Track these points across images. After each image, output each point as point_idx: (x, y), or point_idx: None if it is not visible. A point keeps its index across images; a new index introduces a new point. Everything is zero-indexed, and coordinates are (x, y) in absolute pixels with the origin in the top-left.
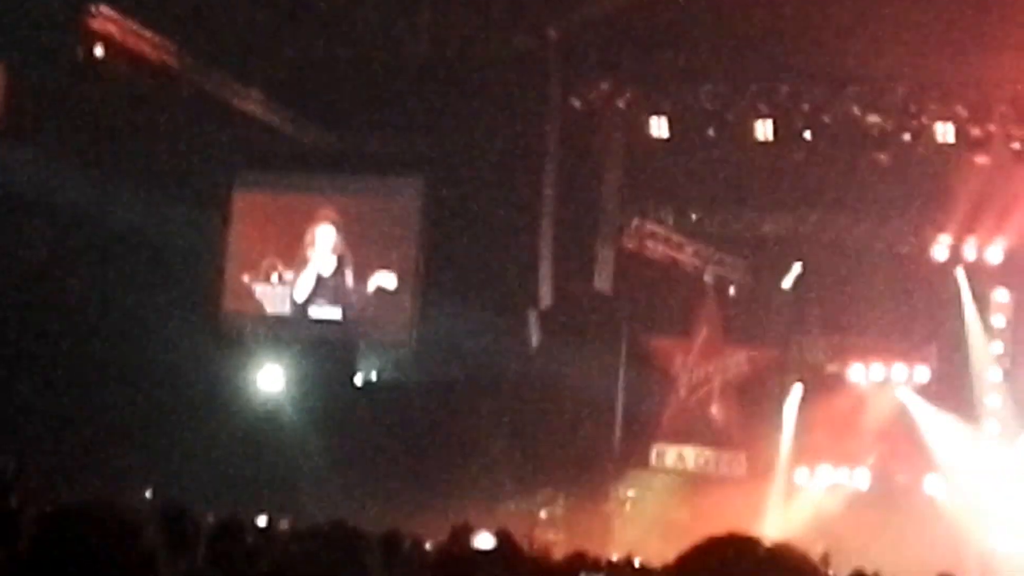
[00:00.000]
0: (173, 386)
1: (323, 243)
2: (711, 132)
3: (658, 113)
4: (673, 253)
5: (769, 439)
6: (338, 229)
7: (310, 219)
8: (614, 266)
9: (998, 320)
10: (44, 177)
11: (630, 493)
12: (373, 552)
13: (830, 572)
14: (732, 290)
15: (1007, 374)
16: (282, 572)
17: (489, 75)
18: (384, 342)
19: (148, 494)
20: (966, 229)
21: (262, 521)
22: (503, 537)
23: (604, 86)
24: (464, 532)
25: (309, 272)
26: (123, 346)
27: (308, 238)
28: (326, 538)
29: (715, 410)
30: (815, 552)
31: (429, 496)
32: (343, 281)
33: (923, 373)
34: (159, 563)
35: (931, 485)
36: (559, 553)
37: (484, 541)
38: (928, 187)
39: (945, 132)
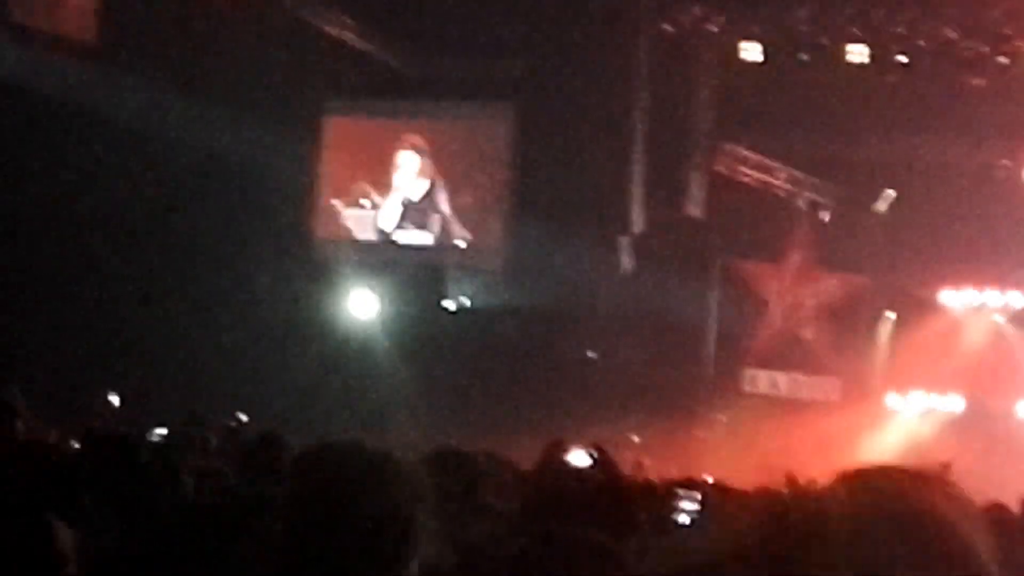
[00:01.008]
0: (264, 312)
1: (410, 168)
2: (804, 56)
3: (750, 37)
4: (765, 178)
5: (862, 364)
6: (427, 155)
7: (398, 144)
8: (706, 191)
9: None
10: (138, 102)
11: (723, 418)
12: (475, 473)
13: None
14: (825, 215)
15: None
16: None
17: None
18: (475, 267)
19: (244, 418)
20: None
21: None
22: (599, 454)
23: (696, 10)
24: (557, 448)
25: (395, 197)
26: (215, 272)
27: (395, 163)
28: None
29: (808, 335)
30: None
31: (521, 422)
32: (433, 206)
33: (1018, 298)
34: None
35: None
36: (652, 476)
37: (579, 459)
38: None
39: None
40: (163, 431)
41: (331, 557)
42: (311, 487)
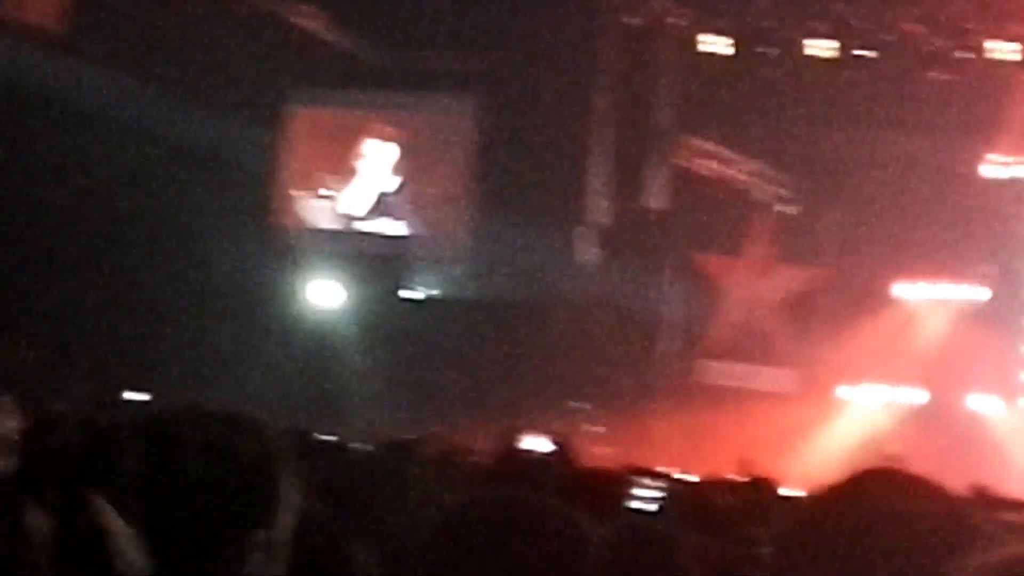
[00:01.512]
0: (224, 300)
1: (377, 158)
2: (766, 49)
3: (713, 30)
4: (726, 170)
5: (818, 356)
6: (394, 144)
7: (364, 134)
8: (666, 183)
9: None
10: (103, 92)
11: (677, 410)
12: (426, 464)
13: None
14: (784, 208)
15: None
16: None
17: None
18: (439, 258)
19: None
20: (1021, 148)
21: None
22: (560, 442)
23: (660, 3)
24: (511, 434)
25: (360, 187)
26: (175, 260)
27: (361, 152)
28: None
29: (764, 327)
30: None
31: (480, 412)
32: (400, 196)
33: (976, 292)
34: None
35: (979, 403)
36: (612, 465)
37: (540, 447)
38: (984, 106)
39: (1002, 50)
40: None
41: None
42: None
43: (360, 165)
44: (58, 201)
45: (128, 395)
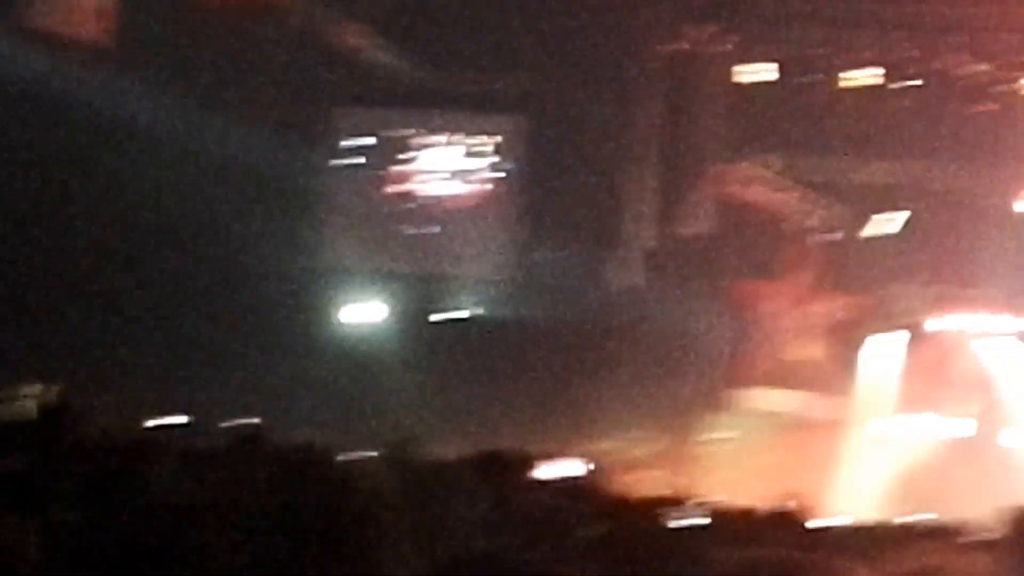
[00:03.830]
0: (259, 315)
1: (419, 179)
2: (817, 77)
3: (764, 57)
4: (773, 197)
5: (865, 386)
6: (437, 166)
7: (404, 154)
8: (713, 209)
9: None
10: (150, 107)
11: (723, 436)
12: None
13: None
14: (831, 236)
15: None
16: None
17: (593, 16)
18: (481, 277)
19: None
20: None
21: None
22: (593, 466)
23: (707, 30)
24: (543, 458)
25: (398, 207)
26: (216, 275)
27: (399, 175)
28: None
29: (811, 355)
30: None
31: (517, 436)
32: (443, 218)
33: (1019, 322)
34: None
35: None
36: (650, 492)
37: (574, 470)
38: None
39: None
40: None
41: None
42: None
43: (401, 187)
44: (92, 215)
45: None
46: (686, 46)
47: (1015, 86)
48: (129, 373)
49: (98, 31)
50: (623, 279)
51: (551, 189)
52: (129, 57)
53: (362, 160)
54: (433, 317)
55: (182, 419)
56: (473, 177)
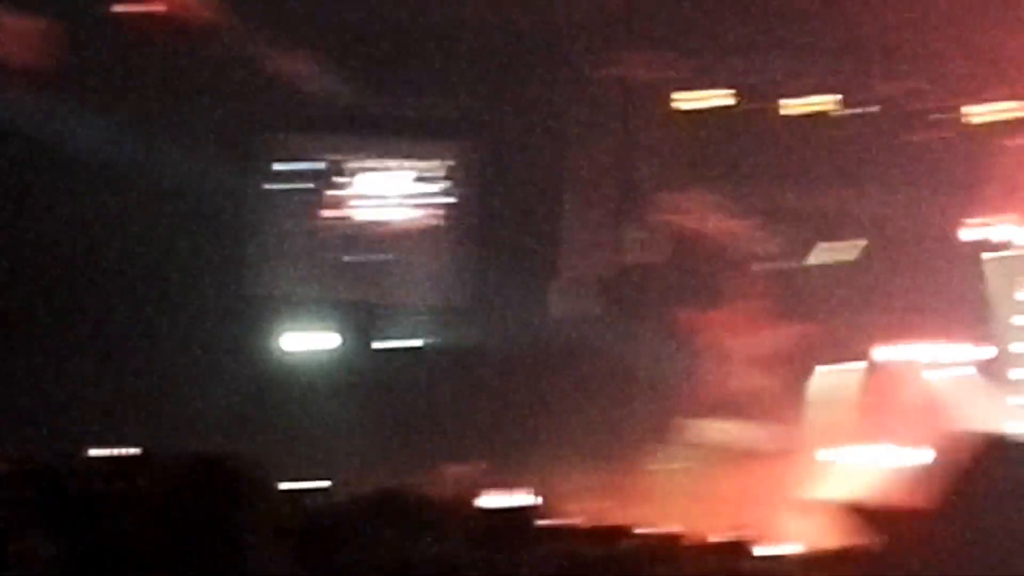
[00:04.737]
0: (197, 344)
1: (360, 208)
2: (762, 104)
3: (711, 85)
4: (717, 225)
5: (811, 416)
6: (378, 193)
7: (343, 183)
8: (660, 238)
9: None
10: (78, 133)
11: (668, 467)
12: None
13: None
14: (776, 265)
15: None
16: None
17: (535, 41)
18: (423, 309)
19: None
20: (1010, 211)
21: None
22: (538, 497)
23: (655, 56)
24: (490, 488)
25: (342, 235)
26: (150, 304)
27: (341, 201)
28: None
29: (756, 385)
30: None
31: (474, 463)
32: (385, 247)
33: (965, 352)
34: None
35: None
36: (599, 522)
37: (521, 500)
38: (988, 167)
39: (1001, 111)
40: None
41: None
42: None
43: (343, 214)
44: (21, 242)
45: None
46: (633, 73)
47: (965, 114)
48: (61, 403)
49: (31, 57)
50: (569, 308)
51: (496, 217)
52: (63, 83)
53: (305, 187)
54: (377, 346)
55: (119, 451)
56: (418, 205)
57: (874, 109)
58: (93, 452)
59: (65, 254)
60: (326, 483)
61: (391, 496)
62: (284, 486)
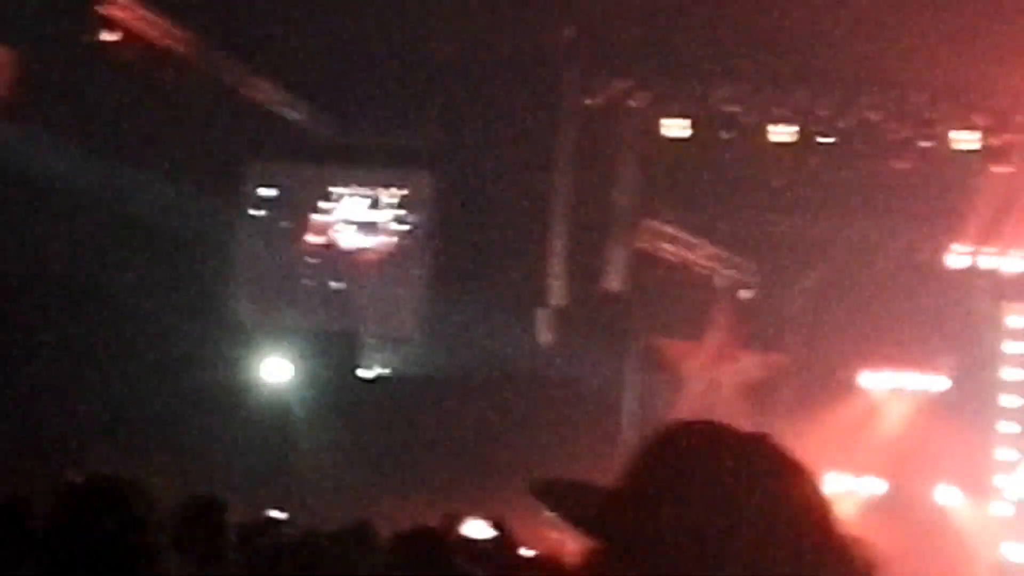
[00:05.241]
0: (177, 376)
1: (335, 236)
2: (727, 134)
3: (674, 114)
4: (686, 255)
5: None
6: (352, 222)
7: (318, 210)
8: (626, 266)
9: (1016, 329)
10: (52, 163)
11: None
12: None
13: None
14: (745, 293)
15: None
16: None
17: (503, 71)
18: (392, 336)
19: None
20: (984, 238)
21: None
22: (499, 527)
23: (619, 85)
24: (452, 521)
25: (316, 264)
26: (126, 333)
27: (316, 229)
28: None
29: (725, 414)
30: None
31: (434, 493)
32: (359, 275)
33: (938, 382)
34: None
35: (943, 495)
36: (563, 553)
37: (479, 531)
38: (946, 195)
39: (964, 140)
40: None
41: None
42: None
43: (317, 241)
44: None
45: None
46: (598, 101)
47: (931, 143)
48: (28, 434)
49: (3, 85)
50: (535, 337)
51: (463, 246)
52: (32, 110)
53: (273, 216)
54: (344, 374)
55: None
56: (386, 234)
57: (845, 138)
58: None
59: (28, 280)
60: (286, 512)
61: (354, 527)
62: (247, 515)
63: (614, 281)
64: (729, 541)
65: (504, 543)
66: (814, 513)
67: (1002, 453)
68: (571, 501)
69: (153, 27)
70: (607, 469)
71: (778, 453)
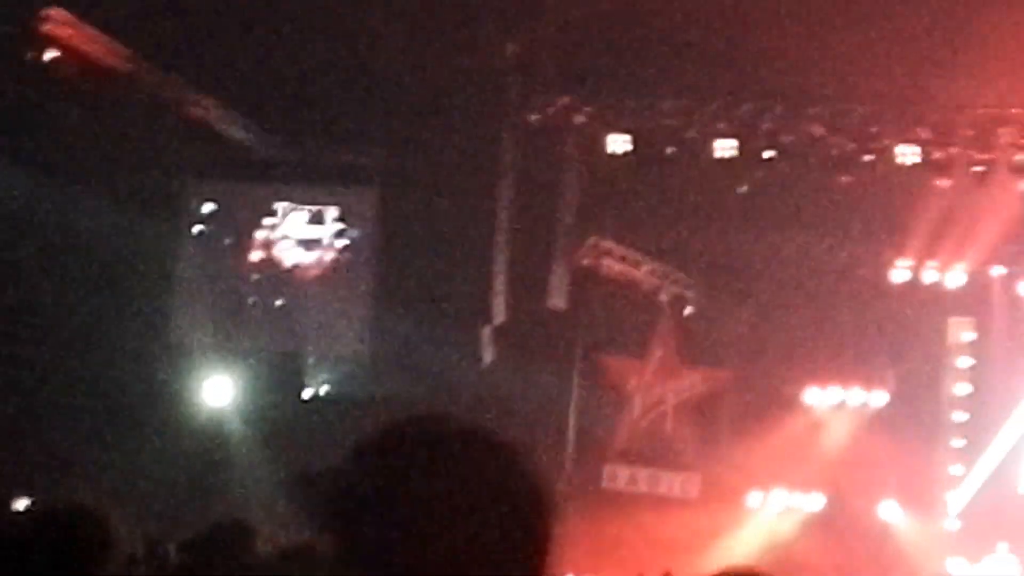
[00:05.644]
0: (119, 398)
1: (277, 254)
2: (670, 150)
3: (617, 130)
4: (629, 271)
5: (723, 461)
6: (294, 239)
7: (261, 228)
8: (569, 283)
9: (959, 344)
10: None
11: (581, 514)
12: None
13: None
14: (688, 310)
15: (970, 395)
16: None
17: (447, 89)
18: (335, 356)
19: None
20: (927, 253)
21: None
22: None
23: (563, 102)
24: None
25: (259, 282)
26: (69, 353)
27: (258, 246)
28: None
29: (669, 431)
30: None
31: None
32: (301, 293)
33: (880, 397)
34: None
35: (885, 510)
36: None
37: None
38: (889, 209)
39: (907, 154)
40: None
41: None
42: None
43: (260, 259)
44: None
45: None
46: (542, 118)
47: (874, 157)
48: None
49: None
50: (477, 354)
51: (407, 263)
52: None
53: (215, 233)
54: (287, 395)
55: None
56: (329, 251)
57: (788, 153)
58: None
59: None
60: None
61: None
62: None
63: (558, 298)
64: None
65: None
66: None
67: (946, 468)
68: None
69: (94, 45)
70: (552, 488)
71: None
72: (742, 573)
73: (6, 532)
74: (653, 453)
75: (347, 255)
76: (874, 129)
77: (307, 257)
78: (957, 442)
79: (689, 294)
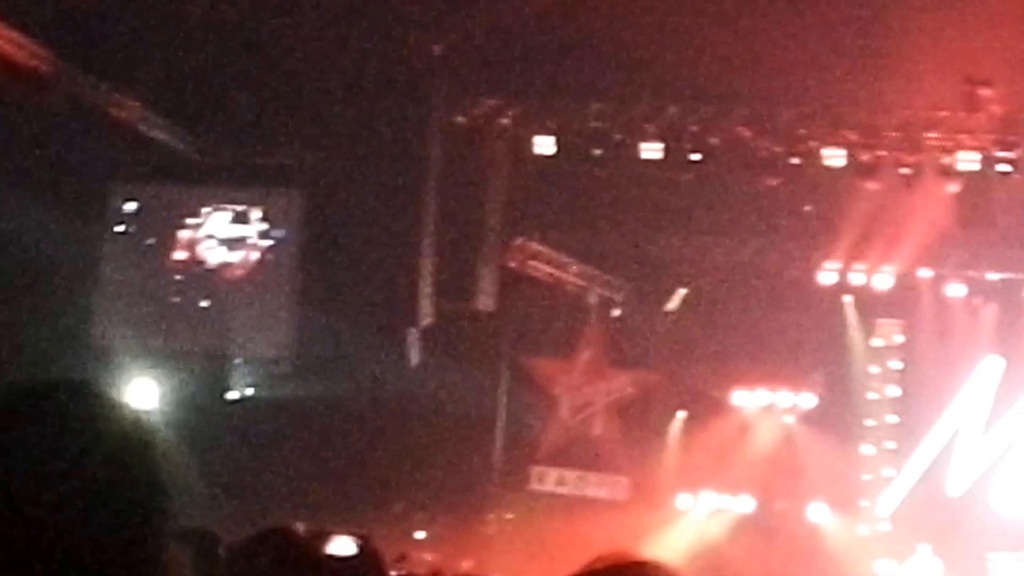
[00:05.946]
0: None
1: (202, 256)
2: (597, 151)
3: (543, 131)
4: (557, 273)
5: (652, 463)
6: (218, 242)
7: (185, 230)
8: (496, 285)
9: (887, 346)
10: None
11: (509, 516)
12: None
13: None
14: (616, 312)
15: (899, 398)
16: None
17: (371, 89)
18: (261, 357)
19: None
20: (854, 255)
21: None
22: (364, 544)
23: (489, 103)
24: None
25: (184, 285)
26: None
27: (184, 248)
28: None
29: (597, 433)
30: None
31: (303, 515)
32: (226, 296)
33: (808, 400)
34: None
35: (814, 513)
36: (431, 572)
37: (343, 547)
38: (816, 212)
39: (834, 156)
40: None
41: None
42: None
43: (184, 259)
44: None
45: None
46: (467, 119)
47: (801, 160)
48: None
49: None
50: (403, 356)
51: (332, 264)
52: None
53: (138, 233)
54: (211, 396)
55: None
56: (254, 251)
57: (714, 155)
58: None
59: None
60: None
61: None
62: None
63: (485, 300)
64: None
65: (369, 560)
66: None
67: (875, 470)
68: None
69: (12, 45)
70: (479, 489)
71: None
72: (618, 558)
73: None
74: (582, 455)
75: (272, 255)
76: (801, 131)
77: (232, 257)
78: (887, 444)
79: (616, 296)
